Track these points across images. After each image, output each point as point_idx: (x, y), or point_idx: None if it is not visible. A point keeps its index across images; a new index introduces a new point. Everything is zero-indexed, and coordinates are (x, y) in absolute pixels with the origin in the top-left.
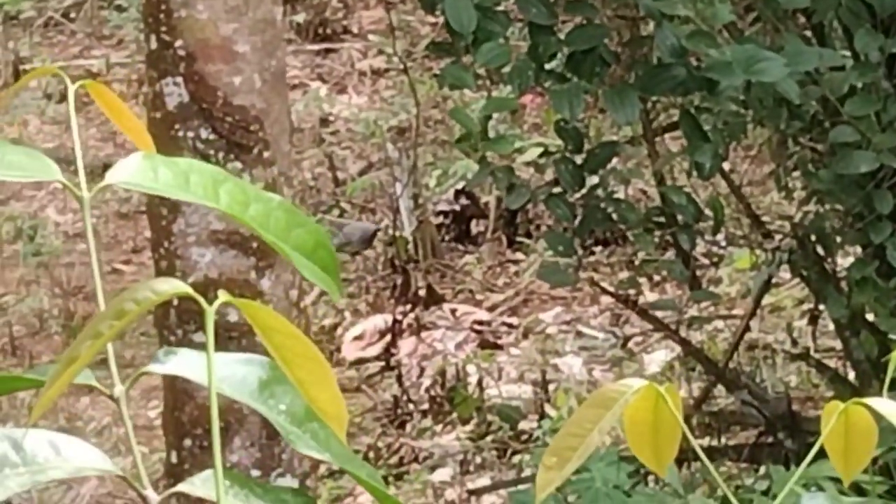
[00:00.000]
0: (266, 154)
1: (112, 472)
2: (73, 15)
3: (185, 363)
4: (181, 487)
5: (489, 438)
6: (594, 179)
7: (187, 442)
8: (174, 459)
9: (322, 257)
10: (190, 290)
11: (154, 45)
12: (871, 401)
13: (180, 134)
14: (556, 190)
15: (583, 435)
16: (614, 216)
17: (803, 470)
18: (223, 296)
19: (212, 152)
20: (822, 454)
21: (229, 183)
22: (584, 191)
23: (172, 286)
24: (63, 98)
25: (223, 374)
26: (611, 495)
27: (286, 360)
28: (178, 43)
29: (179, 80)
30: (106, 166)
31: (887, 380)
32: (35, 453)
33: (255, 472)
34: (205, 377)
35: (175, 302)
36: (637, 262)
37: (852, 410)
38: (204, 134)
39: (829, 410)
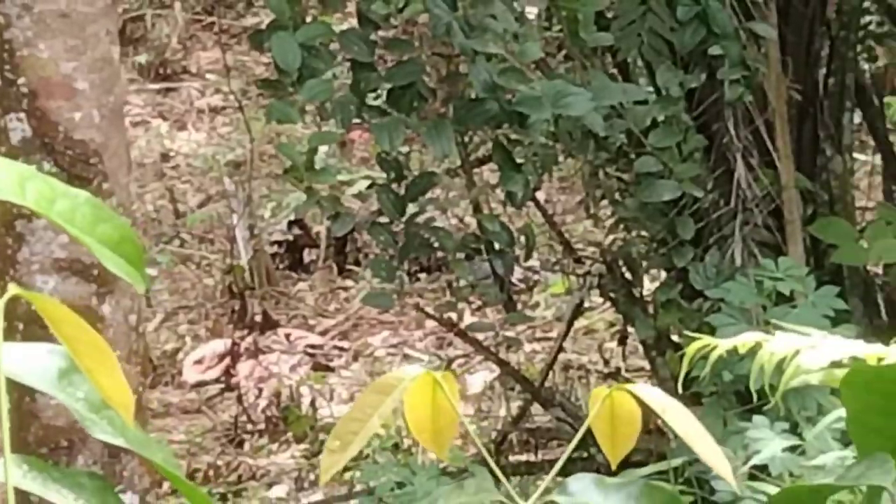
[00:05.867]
0: (105, 185)
1: None
2: None
3: None
4: None
5: (322, 456)
6: (416, 209)
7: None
8: None
9: (127, 250)
10: None
11: None
12: (634, 387)
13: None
14: (381, 220)
15: (364, 420)
16: (434, 243)
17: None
18: (14, 289)
19: None
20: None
21: (37, 180)
22: (405, 219)
23: None
24: None
25: (25, 365)
26: None
27: (75, 350)
28: (21, 80)
29: (23, 115)
30: None
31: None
32: None
33: None
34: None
35: None
36: (457, 288)
37: (617, 395)
38: (46, 167)
39: (596, 395)
